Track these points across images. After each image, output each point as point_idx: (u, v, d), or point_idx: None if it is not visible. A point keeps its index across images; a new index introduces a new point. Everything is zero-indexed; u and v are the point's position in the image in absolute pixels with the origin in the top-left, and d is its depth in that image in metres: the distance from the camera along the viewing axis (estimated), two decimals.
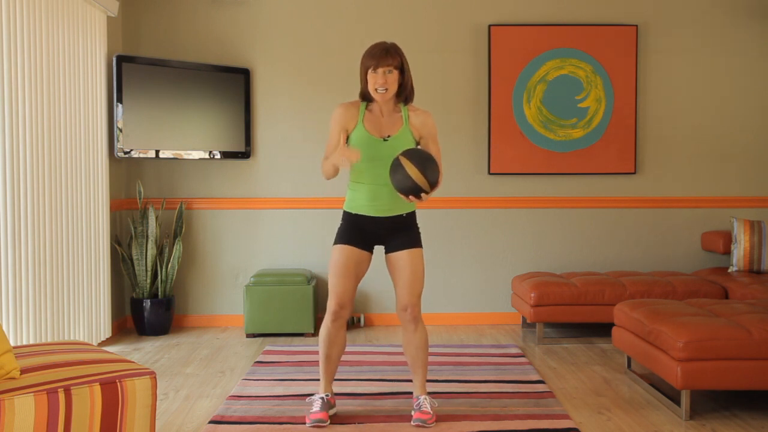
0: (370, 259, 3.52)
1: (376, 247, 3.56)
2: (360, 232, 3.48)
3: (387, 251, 3.51)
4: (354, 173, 3.49)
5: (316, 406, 3.46)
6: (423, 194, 3.22)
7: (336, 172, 3.42)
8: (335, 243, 3.49)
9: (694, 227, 5.80)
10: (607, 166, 5.70)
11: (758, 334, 3.47)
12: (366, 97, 3.49)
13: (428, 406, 3.45)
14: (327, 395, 3.51)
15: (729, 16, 5.75)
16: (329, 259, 3.52)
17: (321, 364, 3.54)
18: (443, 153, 5.67)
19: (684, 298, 4.94)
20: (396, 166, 3.22)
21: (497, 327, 5.64)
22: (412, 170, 3.18)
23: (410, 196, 3.24)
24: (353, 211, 3.49)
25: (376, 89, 3.37)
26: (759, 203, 5.79)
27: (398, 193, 3.29)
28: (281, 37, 5.66)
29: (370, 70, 3.37)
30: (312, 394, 3.75)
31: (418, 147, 3.40)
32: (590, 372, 4.36)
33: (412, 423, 3.42)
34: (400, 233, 3.48)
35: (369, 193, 3.44)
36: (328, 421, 3.42)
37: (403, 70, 3.42)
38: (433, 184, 3.23)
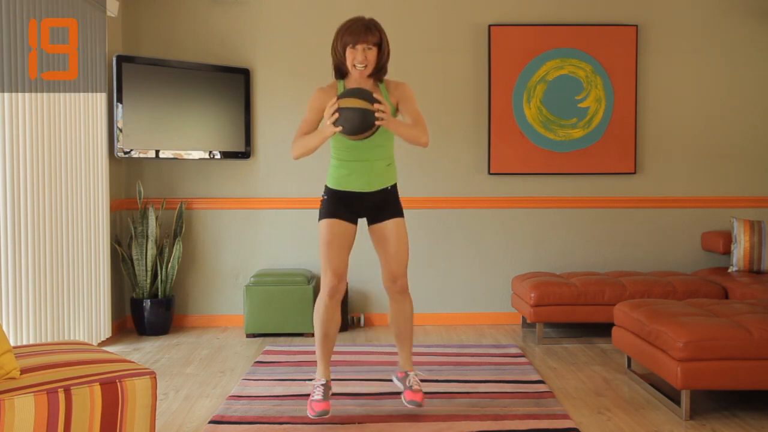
0: (355, 232, 3.48)
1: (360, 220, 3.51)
2: (345, 206, 3.44)
3: (371, 223, 3.48)
4: (337, 150, 3.44)
5: (318, 393, 3.41)
6: (377, 114, 3.11)
7: (318, 146, 3.29)
8: (321, 218, 3.44)
9: (694, 227, 5.80)
10: (607, 166, 5.69)
11: (758, 334, 3.47)
12: (340, 72, 3.44)
13: (418, 383, 3.44)
14: (327, 380, 3.48)
15: (729, 16, 5.74)
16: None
17: (318, 345, 3.47)
18: (444, 153, 5.67)
19: (684, 298, 4.94)
20: (344, 122, 3.11)
21: (497, 327, 5.63)
22: (350, 102, 3.10)
23: (375, 122, 3.12)
24: (337, 188, 3.46)
25: (354, 65, 3.33)
26: (759, 203, 5.79)
27: (368, 130, 3.15)
28: (281, 37, 5.66)
29: (348, 46, 3.32)
30: (311, 379, 3.69)
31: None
32: (590, 372, 4.36)
33: (404, 402, 3.39)
34: (383, 205, 3.46)
35: (353, 169, 3.40)
36: (330, 411, 3.40)
37: (381, 47, 3.35)
38: (371, 98, 3.13)
